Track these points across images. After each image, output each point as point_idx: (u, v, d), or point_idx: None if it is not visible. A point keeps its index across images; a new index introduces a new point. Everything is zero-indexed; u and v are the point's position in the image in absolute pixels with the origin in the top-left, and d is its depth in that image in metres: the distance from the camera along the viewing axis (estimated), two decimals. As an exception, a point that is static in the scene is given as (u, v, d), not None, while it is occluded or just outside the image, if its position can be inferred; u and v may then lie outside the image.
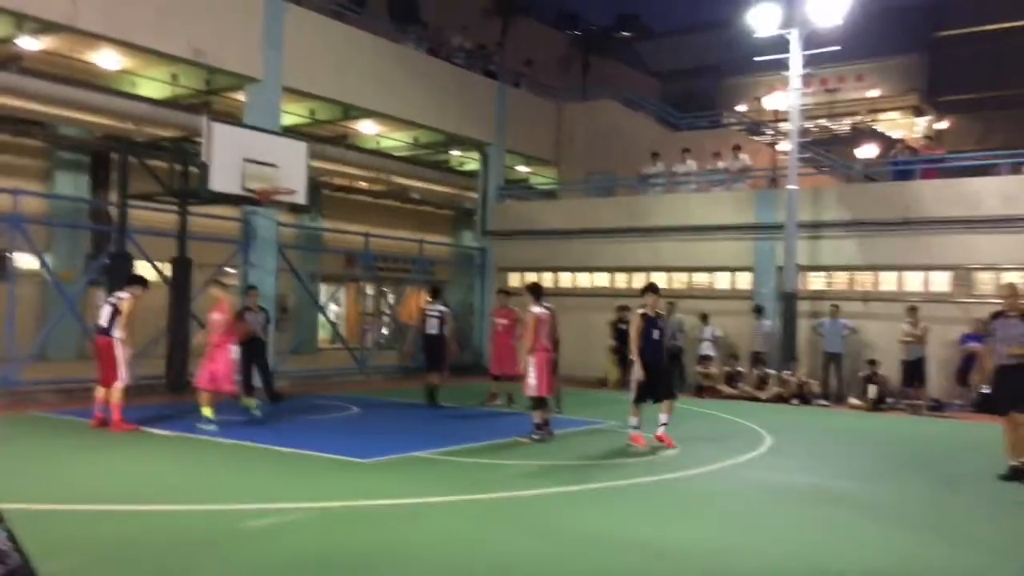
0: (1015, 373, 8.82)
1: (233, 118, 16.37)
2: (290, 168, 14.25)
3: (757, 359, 17.46)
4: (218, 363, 10.64)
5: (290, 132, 17.65)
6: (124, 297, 10.58)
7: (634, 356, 10.44)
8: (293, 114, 20.09)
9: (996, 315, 9.20)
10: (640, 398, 10.36)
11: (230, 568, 5.35)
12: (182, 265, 14.87)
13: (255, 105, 16.64)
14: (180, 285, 14.81)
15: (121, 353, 10.48)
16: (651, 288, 10.79)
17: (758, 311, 17.74)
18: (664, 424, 10.39)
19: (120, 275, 14.12)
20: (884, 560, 6.00)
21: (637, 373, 10.36)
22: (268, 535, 6.09)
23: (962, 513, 7.48)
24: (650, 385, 10.33)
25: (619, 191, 22.83)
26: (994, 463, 8.74)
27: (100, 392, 10.67)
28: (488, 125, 22.68)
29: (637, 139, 23.85)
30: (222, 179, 13.30)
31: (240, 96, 17.44)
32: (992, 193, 16.31)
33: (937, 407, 15.32)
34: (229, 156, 13.36)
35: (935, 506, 7.72)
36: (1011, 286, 9.38)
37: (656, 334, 10.42)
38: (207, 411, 10.54)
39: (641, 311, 10.52)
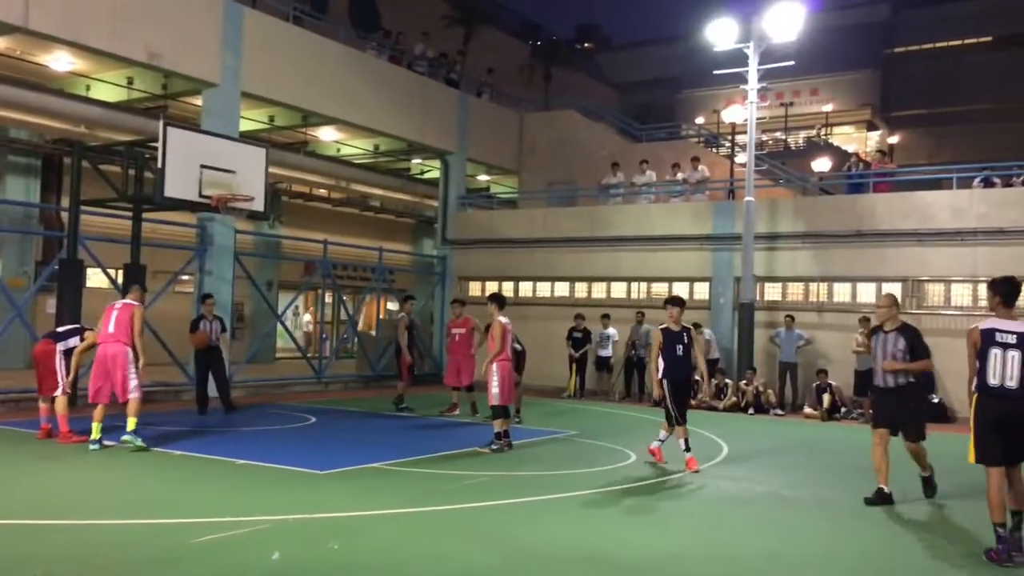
0: (893, 396, 8.07)
1: (190, 123, 16.14)
2: (248, 174, 14.08)
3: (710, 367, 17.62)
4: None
5: (249, 138, 17.44)
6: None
7: (653, 375, 9.95)
8: (252, 120, 19.89)
9: (875, 330, 8.46)
10: (670, 418, 9.82)
11: (180, 583, 5.23)
12: (135, 272, 14.57)
13: (213, 110, 16.43)
14: (133, 292, 14.49)
15: (61, 363, 10.24)
16: (675, 301, 10.03)
17: (696, 327, 17.86)
18: (662, 441, 10.09)
19: (70, 282, 13.88)
20: (837, 566, 6.07)
21: (658, 393, 9.92)
22: (220, 549, 5.97)
23: (914, 519, 7.59)
24: (677, 404, 9.74)
25: (580, 201, 22.94)
26: (945, 472, 8.89)
27: (44, 404, 10.42)
28: (449, 133, 22.65)
29: (597, 149, 24.00)
30: (178, 185, 13.09)
31: (197, 101, 17.20)
32: (943, 207, 16.70)
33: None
34: (185, 162, 13.16)
35: (886, 513, 7.83)
36: (890, 296, 8.54)
37: (680, 349, 9.74)
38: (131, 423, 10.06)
39: (663, 326, 9.87)
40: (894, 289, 16.95)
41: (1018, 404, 6.24)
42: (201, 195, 13.33)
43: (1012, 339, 6.31)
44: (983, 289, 16.26)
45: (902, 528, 7.39)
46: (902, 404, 8.11)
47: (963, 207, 16.49)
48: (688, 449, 9.77)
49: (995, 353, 6.34)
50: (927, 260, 16.64)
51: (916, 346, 8.05)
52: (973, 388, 6.54)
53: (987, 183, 17.51)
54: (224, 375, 14.04)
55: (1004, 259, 16.00)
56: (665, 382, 9.73)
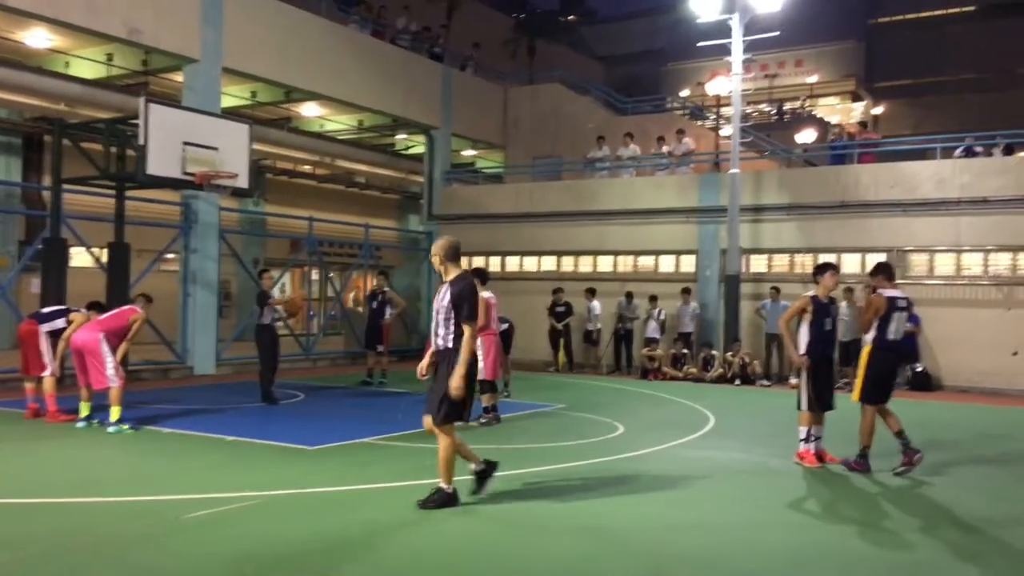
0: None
1: (171, 100, 15.98)
2: (231, 151, 13.96)
3: (684, 340, 17.74)
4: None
5: (231, 114, 17.28)
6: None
7: (791, 351, 8.74)
8: (234, 96, 19.69)
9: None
10: (811, 403, 8.51)
11: (170, 560, 5.26)
12: (119, 251, 14.49)
13: (194, 86, 16.27)
14: (118, 271, 14.43)
15: (46, 344, 10.20)
16: (829, 267, 8.74)
17: (686, 292, 18.05)
18: (818, 438, 8.66)
19: (54, 261, 13.78)
20: (823, 533, 6.16)
21: (802, 362, 8.52)
22: (210, 525, 6.00)
23: (894, 489, 7.71)
24: (820, 388, 8.51)
25: (565, 175, 22.90)
26: (921, 440, 9.01)
27: (30, 384, 10.40)
28: (434, 108, 22.52)
29: (583, 123, 23.93)
30: (160, 162, 12.97)
31: (178, 77, 17.01)
32: (926, 177, 16.78)
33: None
34: (167, 139, 13.03)
35: (869, 481, 7.94)
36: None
37: (828, 324, 8.56)
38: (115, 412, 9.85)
39: (811, 294, 8.59)
40: (879, 259, 17.07)
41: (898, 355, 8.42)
42: (184, 172, 13.22)
43: (904, 303, 8.26)
44: (967, 258, 16.43)
45: (886, 494, 7.49)
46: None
47: (946, 177, 16.58)
48: (808, 441, 8.56)
49: (895, 316, 8.21)
50: (911, 230, 16.74)
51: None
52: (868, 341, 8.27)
53: (970, 153, 17.61)
54: (277, 361, 12.91)
55: (986, 228, 16.17)
56: (807, 361, 8.48)
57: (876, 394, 8.28)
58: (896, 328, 8.25)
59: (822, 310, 8.55)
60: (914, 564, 5.53)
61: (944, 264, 16.61)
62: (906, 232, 16.77)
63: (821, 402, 8.53)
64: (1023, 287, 15.85)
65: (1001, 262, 16.12)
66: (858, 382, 8.37)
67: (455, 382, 6.35)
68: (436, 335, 6.57)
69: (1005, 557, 5.71)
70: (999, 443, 10.42)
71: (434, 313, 6.58)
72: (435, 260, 6.73)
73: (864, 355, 8.32)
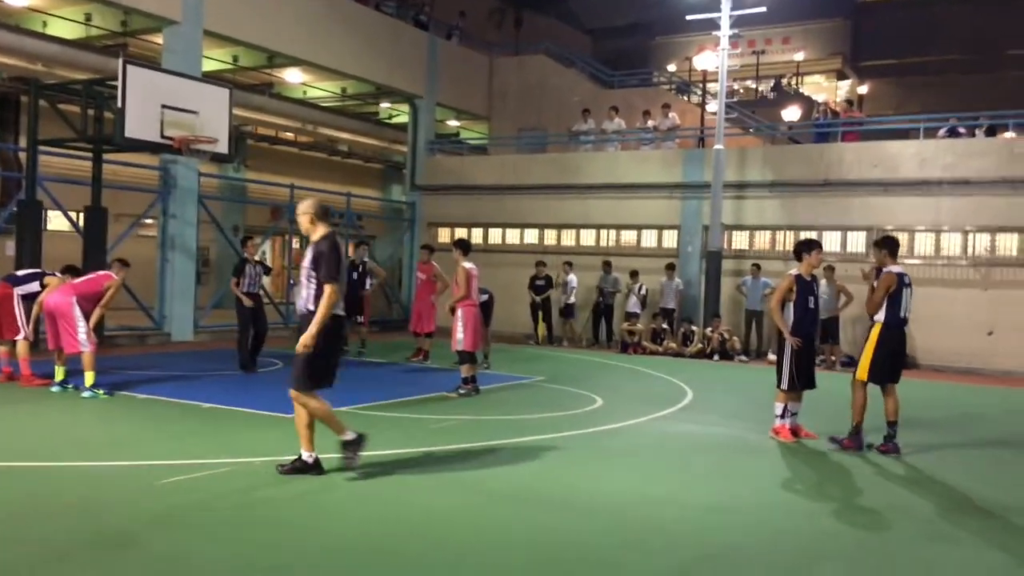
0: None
1: (151, 62, 15.71)
2: (211, 116, 13.76)
3: (667, 316, 17.80)
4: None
5: (212, 78, 17.03)
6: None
7: (780, 327, 8.56)
8: (215, 60, 19.40)
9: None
10: (792, 383, 8.52)
11: (144, 525, 5.23)
12: (97, 215, 14.31)
13: (174, 49, 16.00)
14: (95, 236, 14.26)
15: (20, 307, 10.08)
16: (813, 244, 8.79)
17: (670, 268, 18.09)
18: (794, 414, 8.72)
19: (30, 224, 13.59)
20: (798, 507, 6.22)
21: (787, 353, 8.48)
22: (184, 491, 5.97)
23: (871, 465, 7.79)
24: (803, 367, 8.52)
25: (550, 148, 22.79)
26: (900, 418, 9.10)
27: (3, 347, 10.29)
28: (418, 77, 22.29)
29: (568, 95, 23.78)
30: (139, 125, 12.78)
31: (158, 39, 16.74)
32: (909, 156, 16.84)
33: (850, 363, 15.87)
34: (146, 101, 12.83)
35: (847, 458, 8.02)
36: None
37: (812, 302, 8.58)
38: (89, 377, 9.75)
39: (795, 272, 8.61)
40: (859, 238, 17.18)
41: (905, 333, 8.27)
42: (163, 136, 13.03)
43: (908, 280, 8.16)
44: (945, 239, 16.54)
45: (863, 471, 7.57)
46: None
47: (929, 157, 16.64)
48: (784, 417, 8.62)
49: (904, 292, 8.10)
50: (892, 210, 16.82)
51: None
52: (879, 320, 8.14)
53: (953, 133, 17.67)
54: (265, 329, 12.80)
55: (966, 209, 16.27)
56: (798, 341, 8.46)
57: (884, 374, 8.11)
58: (906, 305, 8.10)
59: (806, 288, 8.56)
60: (882, 542, 5.60)
61: (923, 244, 16.70)
62: (887, 211, 16.85)
63: (802, 381, 8.56)
64: (1001, 268, 16.00)
65: (980, 243, 16.24)
66: (865, 361, 8.13)
67: (304, 339, 6.18)
68: (299, 297, 6.41)
69: (983, 538, 5.78)
70: (979, 423, 10.56)
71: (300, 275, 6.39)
72: (304, 219, 6.45)
73: (874, 334, 8.13)
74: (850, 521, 5.93)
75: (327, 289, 6.21)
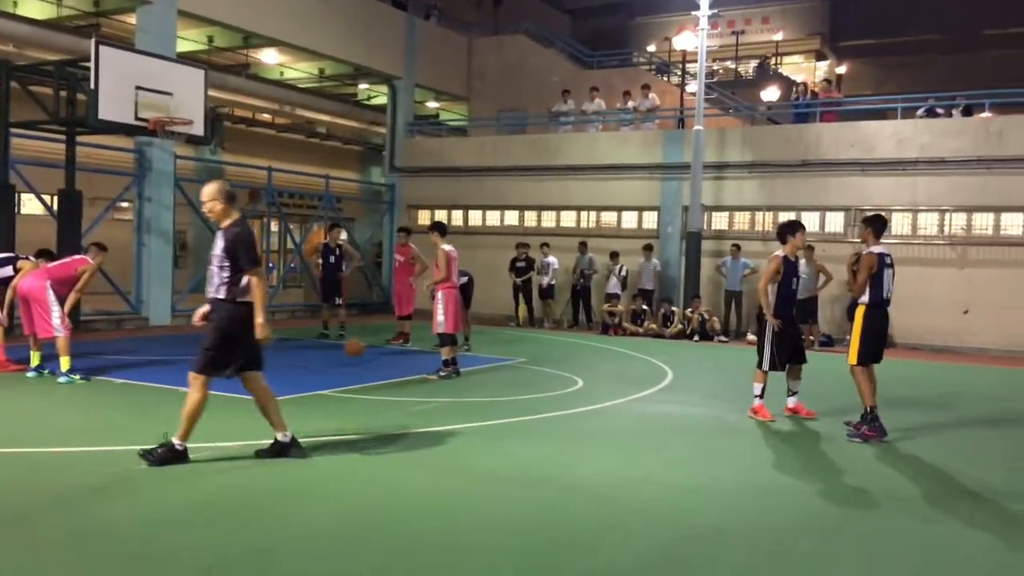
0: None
1: (124, 43, 15.47)
2: (187, 97, 13.62)
3: (645, 297, 17.84)
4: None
5: (186, 59, 16.80)
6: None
7: (765, 307, 8.58)
8: (190, 40, 19.17)
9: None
10: (773, 363, 8.60)
11: (121, 509, 5.20)
12: (71, 198, 14.12)
13: (148, 29, 15.75)
14: (69, 219, 14.08)
15: None
16: (795, 226, 8.78)
17: (647, 249, 18.12)
18: (795, 392, 8.87)
19: (2, 208, 13.39)
20: (775, 486, 6.28)
21: (769, 334, 8.56)
22: (161, 476, 5.93)
23: (845, 442, 7.86)
24: (784, 347, 8.58)
25: (530, 129, 22.70)
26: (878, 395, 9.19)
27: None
28: (397, 58, 22.11)
29: (548, 76, 23.67)
30: (112, 107, 12.63)
31: (131, 19, 16.48)
32: (886, 136, 16.92)
33: (828, 342, 16.03)
34: (120, 83, 12.67)
35: (821, 437, 8.10)
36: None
37: (795, 283, 8.72)
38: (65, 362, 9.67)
39: (781, 254, 8.63)
40: (837, 218, 17.28)
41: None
42: (137, 118, 12.89)
43: (889, 260, 8.09)
44: (922, 218, 16.67)
45: (843, 449, 7.64)
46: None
47: (906, 137, 16.73)
48: (762, 396, 8.70)
49: (887, 272, 8.02)
50: (869, 190, 16.92)
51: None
52: (864, 301, 8.04)
53: (930, 113, 17.76)
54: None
55: (943, 189, 16.39)
56: (780, 323, 8.54)
57: (871, 354, 8.05)
58: (888, 285, 8.02)
59: (791, 270, 8.65)
60: (860, 521, 5.66)
61: (901, 224, 16.82)
62: (864, 191, 16.95)
63: (782, 361, 8.60)
64: (977, 247, 16.15)
65: (956, 222, 16.38)
66: (854, 344, 8.00)
67: (259, 332, 6.12)
68: (209, 285, 6.24)
69: (964, 517, 5.85)
70: (958, 401, 10.67)
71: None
72: (216, 205, 6.23)
73: (859, 316, 8.04)
74: (830, 500, 5.98)
75: (254, 277, 6.08)
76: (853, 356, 8.03)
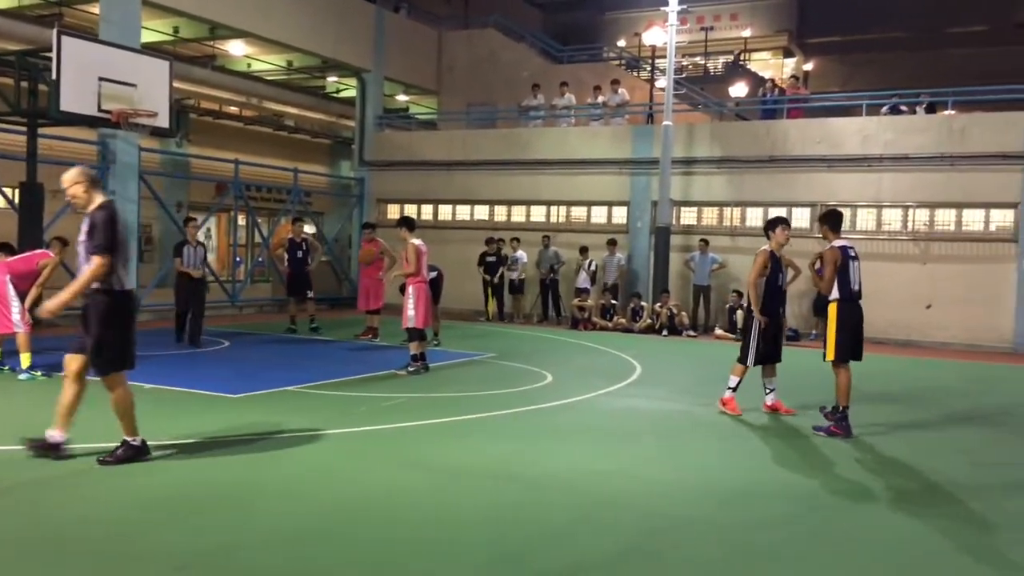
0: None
1: (87, 33, 15.19)
2: (151, 88, 13.41)
3: (610, 291, 17.89)
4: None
5: (151, 50, 16.53)
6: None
7: (754, 303, 8.57)
8: (154, 31, 18.86)
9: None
10: (756, 358, 8.61)
11: (85, 506, 5.12)
12: (32, 191, 13.85)
13: (111, 19, 15.46)
14: (30, 213, 13.81)
15: None
16: (780, 221, 8.80)
17: (611, 244, 18.19)
18: (772, 389, 8.86)
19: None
20: (740, 477, 6.33)
21: (755, 329, 8.55)
22: (125, 472, 5.85)
23: (814, 438, 7.95)
24: (767, 343, 8.60)
25: (500, 123, 22.68)
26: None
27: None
28: (366, 51, 21.95)
29: (518, 70, 23.65)
30: (75, 98, 12.40)
31: (95, 9, 16.19)
32: (852, 133, 17.12)
33: (794, 337, 16.20)
34: (82, 74, 12.44)
35: (789, 432, 8.18)
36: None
37: (781, 279, 8.66)
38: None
39: (767, 248, 8.65)
40: (803, 214, 17.45)
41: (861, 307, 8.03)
42: (100, 109, 12.66)
43: (854, 253, 8.01)
44: (887, 213, 16.90)
45: (810, 443, 7.73)
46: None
47: (871, 134, 16.94)
48: (736, 389, 8.70)
49: (852, 265, 7.95)
50: (835, 185, 17.11)
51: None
52: (835, 297, 7.98)
53: (895, 110, 18.00)
54: (203, 308, 13.16)
55: (907, 184, 16.63)
56: (766, 319, 8.55)
57: (849, 351, 7.95)
58: (855, 278, 7.92)
59: (777, 265, 8.62)
60: (823, 512, 5.73)
61: (865, 219, 17.04)
62: (830, 187, 17.14)
63: (765, 356, 8.62)
64: (940, 243, 16.40)
65: (919, 218, 16.63)
66: (831, 341, 7.93)
67: (50, 304, 5.81)
68: (80, 272, 5.94)
69: (928, 511, 5.94)
70: (924, 396, 10.84)
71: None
72: (79, 189, 5.91)
73: (832, 311, 7.95)
74: (797, 493, 6.04)
75: (96, 259, 5.72)
76: (830, 352, 7.95)
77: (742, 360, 8.69)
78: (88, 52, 12.76)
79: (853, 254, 8.04)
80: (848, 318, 7.96)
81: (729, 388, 8.81)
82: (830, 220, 8.20)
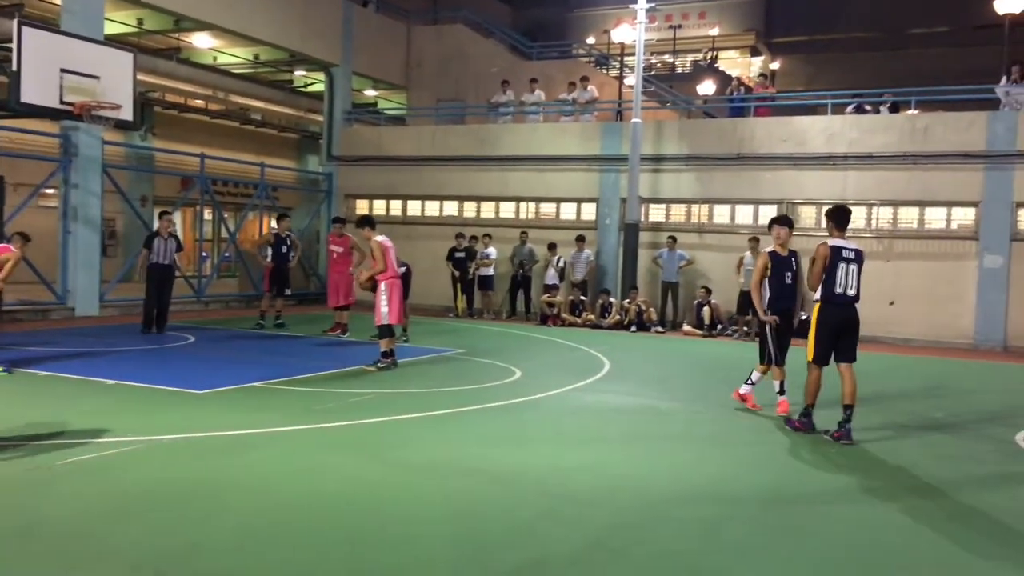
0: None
1: (49, 23, 14.93)
2: (114, 81, 13.24)
3: (579, 288, 17.95)
4: None
5: (115, 42, 16.28)
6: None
7: (757, 305, 8.62)
8: (118, 22, 18.59)
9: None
10: (777, 359, 8.52)
11: (47, 506, 5.04)
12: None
13: (73, 10, 15.19)
14: (-10, 206, 13.58)
15: None
16: (782, 220, 8.78)
17: (580, 240, 18.25)
18: (754, 384, 8.88)
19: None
20: (706, 473, 6.40)
21: (768, 318, 8.51)
22: (90, 471, 5.77)
23: (777, 432, 8.05)
24: (782, 342, 8.52)
25: (469, 119, 22.63)
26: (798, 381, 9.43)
27: None
28: (334, 45, 21.78)
29: (487, 66, 23.62)
30: (36, 90, 12.22)
31: (57, 0, 15.91)
32: (817, 132, 17.32)
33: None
34: (44, 65, 12.25)
35: (754, 427, 8.28)
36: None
37: (788, 278, 8.48)
38: None
39: (769, 249, 8.65)
40: (770, 211, 17.61)
41: (852, 310, 7.70)
42: (62, 102, 12.48)
43: (851, 255, 7.68)
44: (851, 211, 17.08)
45: (776, 435, 7.82)
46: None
47: (836, 132, 17.16)
48: (783, 392, 8.55)
49: (841, 267, 7.59)
50: (801, 183, 17.31)
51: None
52: (817, 297, 7.71)
53: (859, 110, 18.24)
54: (169, 297, 13.64)
55: (870, 182, 16.87)
56: (775, 320, 8.48)
57: (829, 353, 7.69)
58: (843, 281, 7.52)
59: (781, 264, 8.48)
60: (787, 505, 5.80)
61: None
62: (796, 185, 17.33)
63: (781, 356, 8.49)
64: (903, 240, 16.66)
65: (883, 216, 16.87)
66: (810, 340, 7.71)
67: None
68: None
69: (899, 509, 6.03)
70: (895, 394, 10.99)
71: None
72: None
73: (815, 312, 7.71)
74: (761, 488, 6.11)
75: None
76: (809, 352, 7.75)
77: (777, 362, 8.51)
78: (50, 43, 12.58)
79: (851, 256, 7.63)
80: (828, 319, 7.61)
81: (746, 382, 8.87)
82: (835, 217, 7.89)
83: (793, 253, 8.62)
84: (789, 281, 8.47)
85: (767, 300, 8.53)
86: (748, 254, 15.83)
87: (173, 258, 13.42)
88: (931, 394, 10.82)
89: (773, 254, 8.55)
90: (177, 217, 23.86)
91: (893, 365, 13.52)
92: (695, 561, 4.62)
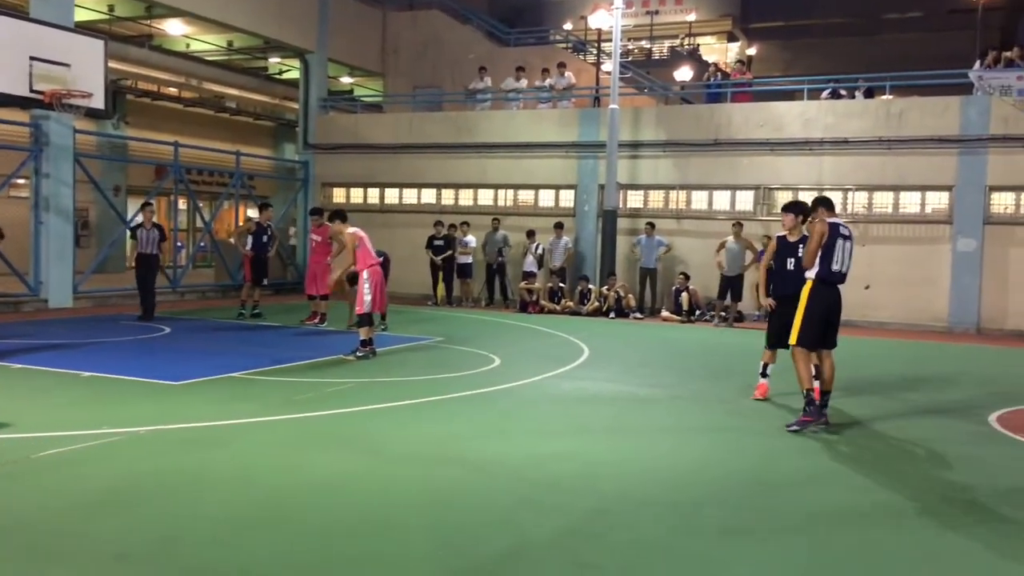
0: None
1: (18, 10, 14.67)
2: (85, 69, 13.07)
3: (558, 275, 17.95)
4: None
5: (85, 29, 16.03)
6: None
7: (762, 289, 8.69)
8: (88, 9, 18.30)
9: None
10: (772, 341, 8.55)
11: (21, 499, 4.97)
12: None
13: (42, -4, 14.95)
14: (-41, 197, 13.36)
15: None
16: (793, 207, 8.69)
17: (558, 227, 18.25)
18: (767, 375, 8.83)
19: None
20: (685, 457, 6.43)
21: (766, 303, 8.57)
22: (64, 464, 5.71)
23: (765, 418, 8.11)
24: (777, 326, 8.40)
25: (446, 106, 22.52)
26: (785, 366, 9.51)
27: None
28: (309, 31, 21.56)
29: (464, 52, 23.50)
30: (5, 78, 12.09)
31: (24, -14, 15.61)
32: (794, 117, 17.41)
33: (739, 318, 16.47)
34: (13, 53, 12.10)
35: (736, 413, 8.33)
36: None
37: (791, 264, 8.30)
38: None
39: (779, 234, 8.63)
40: (747, 196, 17.71)
41: (839, 292, 7.61)
42: (32, 90, 12.29)
43: (847, 232, 7.59)
44: (827, 196, 17.19)
45: (757, 421, 7.87)
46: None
47: (812, 118, 17.24)
48: (765, 375, 8.73)
49: (839, 243, 7.45)
50: (778, 168, 17.39)
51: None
52: (811, 275, 7.52)
53: (835, 95, 18.33)
54: (153, 285, 13.99)
55: (846, 167, 16.98)
56: (772, 302, 8.50)
57: (818, 337, 7.52)
58: (840, 257, 7.41)
59: (784, 250, 8.42)
60: (764, 489, 5.84)
61: (807, 201, 17.30)
62: (773, 170, 17.42)
63: (780, 340, 8.30)
64: (878, 224, 16.80)
65: (858, 200, 16.99)
66: (796, 322, 7.51)
67: None
68: None
69: (875, 495, 6.08)
70: (876, 378, 11.09)
71: None
72: None
73: (805, 291, 7.51)
74: (741, 474, 6.14)
75: None
76: (794, 336, 7.55)
77: (790, 345, 8.13)
78: (19, 30, 12.40)
79: (847, 233, 7.55)
80: (820, 300, 7.46)
81: (760, 374, 8.86)
82: (826, 202, 7.81)
83: (804, 240, 8.20)
84: (791, 268, 8.26)
85: (768, 284, 8.60)
86: (731, 239, 15.89)
87: (158, 248, 13.76)
88: (909, 378, 10.93)
89: (781, 239, 8.53)
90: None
91: (870, 350, 13.66)
92: (674, 545, 4.64)
